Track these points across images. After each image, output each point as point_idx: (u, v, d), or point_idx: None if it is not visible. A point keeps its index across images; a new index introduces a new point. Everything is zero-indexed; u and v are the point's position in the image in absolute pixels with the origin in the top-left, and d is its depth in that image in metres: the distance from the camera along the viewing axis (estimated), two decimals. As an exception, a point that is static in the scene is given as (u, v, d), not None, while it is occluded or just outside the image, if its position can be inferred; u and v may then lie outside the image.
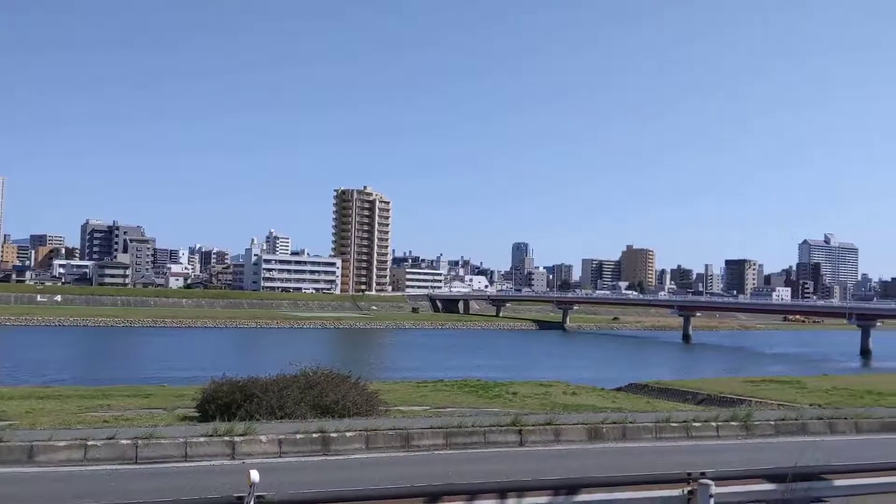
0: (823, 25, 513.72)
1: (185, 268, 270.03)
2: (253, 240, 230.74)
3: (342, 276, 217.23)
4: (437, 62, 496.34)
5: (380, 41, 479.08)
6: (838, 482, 12.04)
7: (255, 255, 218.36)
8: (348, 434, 17.45)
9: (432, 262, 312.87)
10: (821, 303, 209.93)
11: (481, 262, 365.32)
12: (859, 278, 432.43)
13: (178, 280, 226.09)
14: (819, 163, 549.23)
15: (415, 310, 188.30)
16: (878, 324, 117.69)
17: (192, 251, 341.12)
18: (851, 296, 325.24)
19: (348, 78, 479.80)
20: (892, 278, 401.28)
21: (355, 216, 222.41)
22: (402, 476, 13.16)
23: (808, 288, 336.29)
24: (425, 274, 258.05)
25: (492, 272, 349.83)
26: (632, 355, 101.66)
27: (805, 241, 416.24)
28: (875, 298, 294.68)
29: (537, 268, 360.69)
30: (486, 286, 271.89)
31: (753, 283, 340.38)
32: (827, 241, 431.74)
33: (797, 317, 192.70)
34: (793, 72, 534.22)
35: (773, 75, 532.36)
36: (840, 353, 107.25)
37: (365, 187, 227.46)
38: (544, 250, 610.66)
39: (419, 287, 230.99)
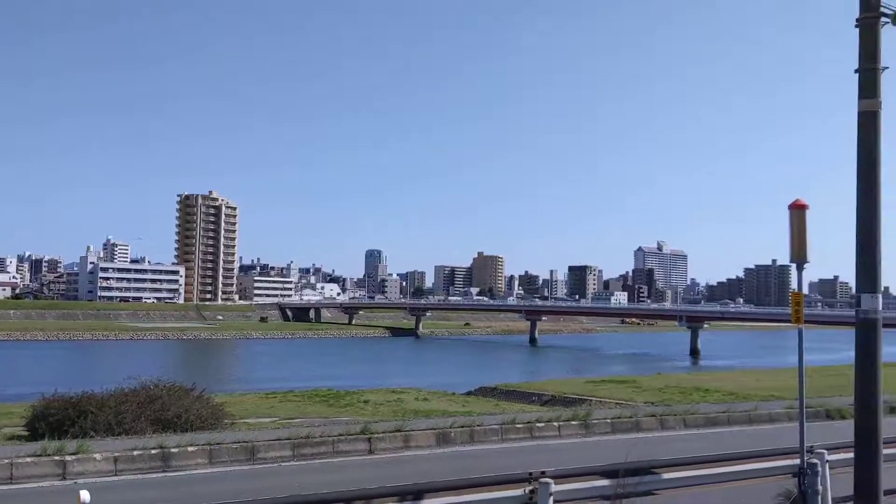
0: (637, 33, 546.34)
1: (13, 277, 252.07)
2: (89, 247, 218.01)
3: (186, 284, 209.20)
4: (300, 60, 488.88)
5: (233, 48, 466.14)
6: (667, 475, 12.86)
7: (90, 263, 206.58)
8: (190, 449, 16.89)
9: (282, 269, 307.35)
10: (654, 306, 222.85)
11: (333, 270, 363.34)
12: (689, 283, 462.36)
13: (4, 290, 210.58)
14: (652, 173, 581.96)
15: (263, 319, 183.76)
16: (706, 325, 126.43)
17: (20, 259, 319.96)
18: (682, 299, 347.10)
19: (198, 75, 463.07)
20: (718, 283, 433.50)
21: (200, 222, 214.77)
22: (246, 490, 12.86)
23: (643, 292, 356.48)
24: (275, 282, 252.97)
25: (344, 280, 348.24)
26: (482, 359, 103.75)
27: (640, 248, 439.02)
28: (702, 302, 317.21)
29: (391, 275, 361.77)
30: (339, 294, 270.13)
31: (594, 288, 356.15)
32: (660, 248, 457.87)
33: (634, 319, 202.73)
34: (631, 85, 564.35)
35: (617, 85, 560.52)
36: (672, 353, 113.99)
37: (210, 192, 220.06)
38: (398, 257, 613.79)
39: (268, 296, 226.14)
